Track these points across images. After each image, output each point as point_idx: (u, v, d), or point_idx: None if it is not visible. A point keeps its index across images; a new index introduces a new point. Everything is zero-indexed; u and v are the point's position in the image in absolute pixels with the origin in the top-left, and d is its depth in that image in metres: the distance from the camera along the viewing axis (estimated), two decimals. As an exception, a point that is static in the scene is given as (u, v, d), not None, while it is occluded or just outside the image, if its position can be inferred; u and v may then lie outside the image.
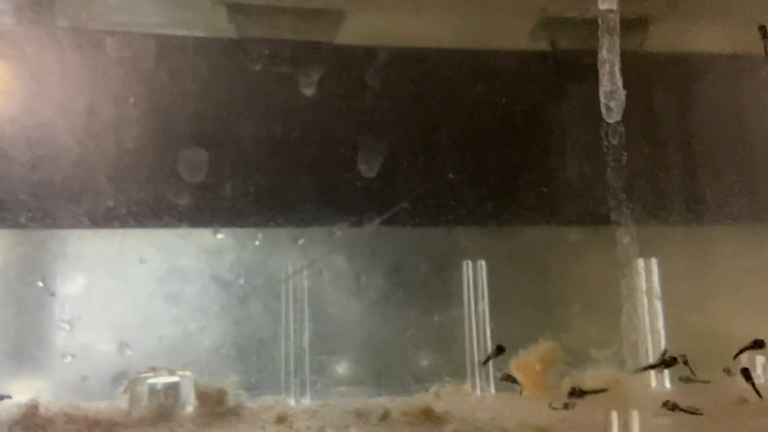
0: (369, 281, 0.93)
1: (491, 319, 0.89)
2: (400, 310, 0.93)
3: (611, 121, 0.65)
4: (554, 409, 0.70)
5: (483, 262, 0.91)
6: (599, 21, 0.66)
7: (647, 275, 0.87)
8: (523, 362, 0.85)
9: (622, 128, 0.66)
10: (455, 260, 0.93)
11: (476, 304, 0.91)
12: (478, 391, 0.87)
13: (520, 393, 0.81)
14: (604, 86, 0.65)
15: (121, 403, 0.78)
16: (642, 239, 0.90)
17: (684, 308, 0.89)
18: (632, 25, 1.00)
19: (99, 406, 0.76)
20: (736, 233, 0.96)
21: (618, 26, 0.65)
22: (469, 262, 0.92)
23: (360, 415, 0.69)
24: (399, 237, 0.95)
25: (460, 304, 0.91)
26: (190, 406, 0.78)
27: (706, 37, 1.03)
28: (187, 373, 0.80)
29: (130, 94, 0.85)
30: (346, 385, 0.88)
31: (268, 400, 0.82)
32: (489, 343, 0.89)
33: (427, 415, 0.67)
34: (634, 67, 0.86)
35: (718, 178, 0.98)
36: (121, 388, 0.79)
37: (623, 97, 0.65)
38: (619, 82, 0.65)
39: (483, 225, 0.90)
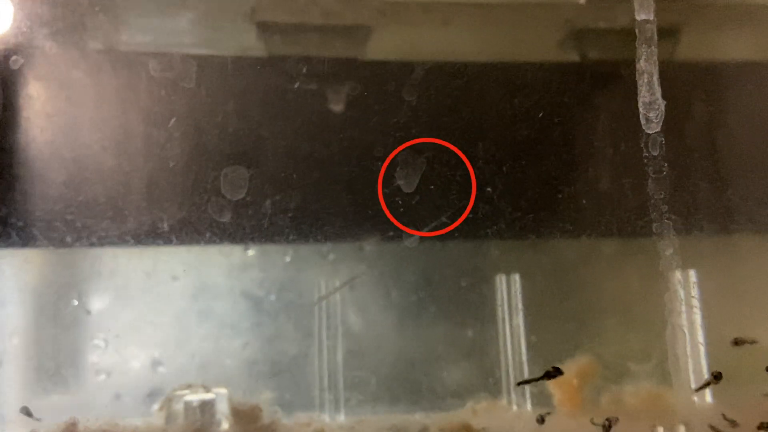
0: (401, 296, 0.92)
1: (526, 333, 0.88)
2: (432, 325, 0.92)
3: (651, 131, 0.65)
4: (595, 425, 0.69)
5: (517, 276, 0.90)
6: (636, 31, 0.66)
7: (686, 287, 0.86)
8: (561, 378, 0.83)
9: (662, 138, 0.65)
10: (489, 274, 0.92)
11: (511, 318, 0.90)
12: (515, 407, 0.86)
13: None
14: (644, 97, 0.64)
15: (157, 420, 0.78)
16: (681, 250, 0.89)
17: (722, 320, 0.87)
18: (664, 34, 0.99)
19: (136, 423, 0.76)
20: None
21: (655, 36, 0.65)
22: (503, 276, 0.91)
23: (398, 430, 0.69)
24: (430, 251, 0.94)
25: (494, 318, 0.90)
26: (225, 424, 0.78)
27: (737, 46, 1.02)
28: (222, 390, 0.81)
29: (163, 113, 0.86)
30: (380, 401, 0.87)
31: (302, 416, 0.81)
32: (524, 357, 0.88)
33: (467, 430, 0.66)
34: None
35: (752, 187, 0.96)
36: (157, 406, 0.80)
37: (663, 108, 0.64)
38: (658, 93, 0.64)
39: (519, 238, 0.89)
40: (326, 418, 0.84)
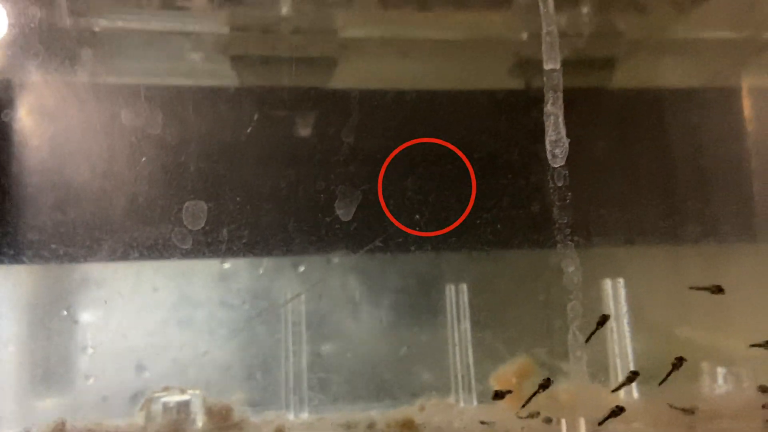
0: (361, 305, 1.02)
1: (473, 337, 0.98)
2: (389, 331, 1.01)
3: (556, 165, 0.74)
4: (520, 417, 0.78)
5: (465, 285, 1.00)
6: (544, 79, 0.75)
7: (615, 295, 0.96)
8: (501, 377, 0.93)
9: (566, 172, 0.75)
10: (440, 284, 1.02)
11: (459, 323, 0.99)
12: (462, 404, 0.95)
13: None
14: (550, 135, 0.74)
15: (139, 419, 0.87)
16: (611, 261, 1.00)
17: (652, 326, 0.97)
18: (601, 64, 1.09)
19: (118, 423, 0.85)
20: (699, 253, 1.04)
21: (561, 83, 0.74)
22: (452, 286, 1.01)
23: (349, 427, 0.78)
24: (391, 264, 1.04)
25: (444, 324, 1.00)
26: (199, 422, 0.88)
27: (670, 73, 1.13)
28: (197, 391, 0.90)
29: (140, 140, 0.95)
30: (340, 400, 0.96)
31: (269, 415, 0.91)
32: (471, 359, 0.97)
33: (408, 425, 0.75)
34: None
35: (685, 201, 1.07)
36: (138, 407, 0.89)
37: (567, 145, 0.74)
38: (563, 132, 0.73)
39: (463, 251, 0.99)
40: (291, 416, 0.93)
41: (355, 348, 1.00)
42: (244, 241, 0.90)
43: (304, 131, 0.98)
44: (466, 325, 0.99)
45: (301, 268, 1.04)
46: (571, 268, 0.75)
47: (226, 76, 1.07)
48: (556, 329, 0.91)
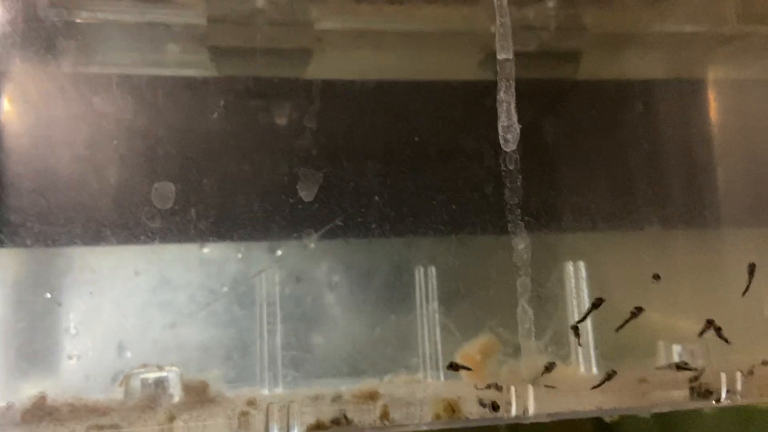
0: (334, 286, 1.06)
1: (440, 316, 1.02)
2: (361, 311, 1.06)
3: (508, 150, 0.79)
4: (478, 389, 0.83)
5: (433, 268, 1.05)
6: (498, 68, 0.80)
7: (576, 278, 1.01)
8: (467, 354, 0.98)
9: (517, 155, 0.79)
10: (410, 266, 1.06)
11: (427, 304, 1.04)
12: (429, 380, 1.00)
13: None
14: (502, 121, 0.78)
15: (118, 395, 0.91)
16: (572, 246, 1.04)
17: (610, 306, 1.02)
18: (565, 56, 1.14)
19: (98, 397, 0.89)
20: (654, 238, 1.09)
21: (513, 71, 0.78)
22: (421, 268, 1.05)
23: (317, 398, 0.82)
24: (366, 248, 1.08)
25: (413, 304, 1.04)
26: (177, 397, 0.92)
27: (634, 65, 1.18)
28: (174, 368, 0.94)
29: (117, 125, 0.99)
30: (313, 377, 1.01)
31: (244, 390, 0.95)
32: (438, 337, 1.02)
33: (372, 395, 0.80)
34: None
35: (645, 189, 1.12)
36: (118, 383, 0.93)
37: (518, 130, 0.78)
38: (515, 118, 0.78)
39: (433, 235, 1.04)
40: (265, 391, 0.97)
41: (328, 328, 1.05)
42: (211, 220, 0.94)
43: (270, 118, 1.01)
44: (434, 305, 1.03)
45: (278, 252, 1.08)
46: (521, 246, 0.80)
47: (204, 67, 1.10)
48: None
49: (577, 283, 1.01)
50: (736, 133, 1.25)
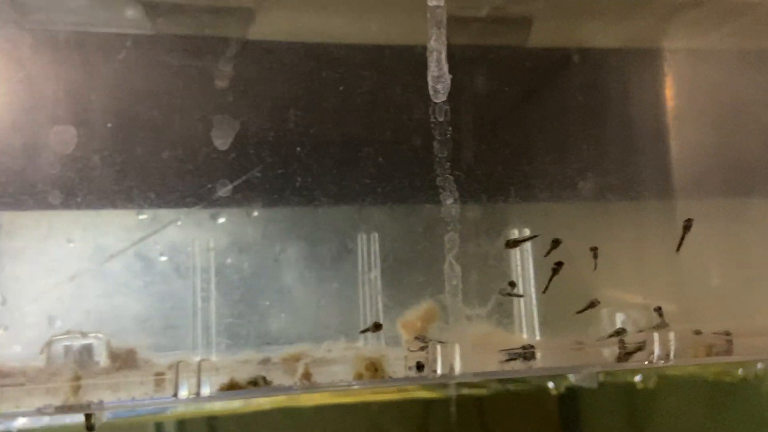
0: (273, 255, 1.03)
1: (382, 284, 1.00)
2: (301, 279, 1.03)
3: (438, 101, 0.76)
4: (411, 351, 0.80)
5: (376, 235, 1.02)
6: (428, 15, 0.77)
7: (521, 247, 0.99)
8: (408, 321, 0.95)
9: (447, 107, 0.76)
10: (352, 234, 1.03)
11: (369, 271, 1.01)
12: (369, 347, 0.97)
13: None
14: (433, 71, 0.75)
15: (39, 362, 0.87)
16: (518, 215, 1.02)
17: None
18: (517, 23, 1.11)
19: (15, 364, 0.85)
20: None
21: (444, 20, 0.75)
22: (364, 235, 1.02)
23: (246, 361, 0.79)
24: (308, 216, 1.05)
25: (355, 272, 1.01)
26: (102, 364, 0.88)
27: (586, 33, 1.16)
28: (100, 335, 0.90)
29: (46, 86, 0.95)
30: (250, 345, 0.98)
31: (175, 355, 0.91)
32: (380, 305, 0.99)
33: (299, 357, 0.77)
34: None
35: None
36: (39, 349, 0.89)
37: (449, 81, 0.75)
38: (445, 68, 0.75)
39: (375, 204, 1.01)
40: (196, 359, 0.94)
41: (265, 295, 1.01)
42: (116, 168, 0.90)
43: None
44: (377, 273, 1.00)
45: (220, 220, 1.05)
46: (449, 201, 0.77)
47: (140, 25, 1.06)
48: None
49: (522, 251, 0.98)
50: (688, 104, 1.23)
